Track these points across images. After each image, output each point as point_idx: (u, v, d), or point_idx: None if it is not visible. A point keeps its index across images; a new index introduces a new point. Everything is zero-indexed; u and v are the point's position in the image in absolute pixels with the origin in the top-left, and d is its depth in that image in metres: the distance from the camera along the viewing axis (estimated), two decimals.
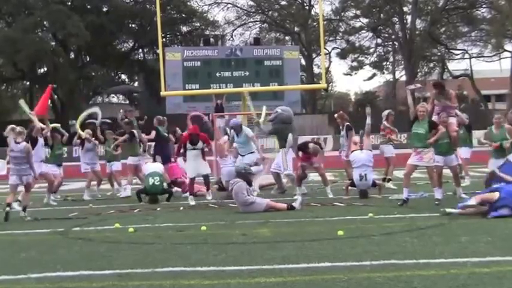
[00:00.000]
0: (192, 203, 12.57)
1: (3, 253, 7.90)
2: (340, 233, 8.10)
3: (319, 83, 34.71)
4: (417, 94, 12.76)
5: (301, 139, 16.61)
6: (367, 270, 6.11)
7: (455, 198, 11.54)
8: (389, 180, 14.45)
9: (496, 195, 9.33)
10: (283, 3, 56.98)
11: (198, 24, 53.63)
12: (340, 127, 14.90)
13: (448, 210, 9.75)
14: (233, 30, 56.28)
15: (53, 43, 47.66)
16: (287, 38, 58.91)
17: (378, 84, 69.35)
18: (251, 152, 13.87)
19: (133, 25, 51.45)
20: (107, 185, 16.18)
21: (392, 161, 14.66)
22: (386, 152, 14.75)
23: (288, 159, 13.07)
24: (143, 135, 15.55)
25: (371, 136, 13.43)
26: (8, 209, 11.06)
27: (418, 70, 56.36)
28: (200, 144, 13.17)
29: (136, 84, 58.94)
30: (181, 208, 12.07)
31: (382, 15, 55.70)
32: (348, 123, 14.52)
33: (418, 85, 13.48)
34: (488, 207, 9.36)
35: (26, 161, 11.32)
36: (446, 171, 12.19)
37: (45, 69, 48.93)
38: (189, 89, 29.06)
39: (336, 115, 15.35)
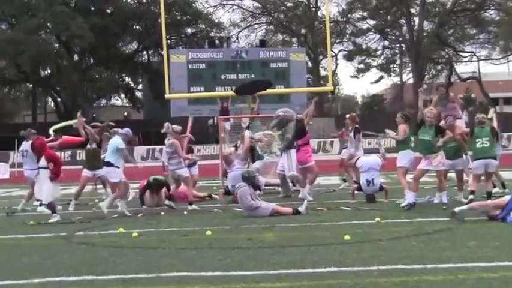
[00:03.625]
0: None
1: (5, 257, 7.88)
2: (347, 237, 8.06)
3: (326, 86, 34.58)
4: (425, 97, 13.01)
5: None
6: (374, 275, 6.09)
7: (462, 203, 11.43)
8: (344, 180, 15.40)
9: (507, 198, 9.27)
10: (289, 4, 56.70)
11: (203, 26, 53.48)
12: (350, 128, 15.14)
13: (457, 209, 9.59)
14: (238, 32, 56.06)
15: (57, 45, 47.69)
16: (293, 40, 58.67)
17: (385, 87, 69.13)
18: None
19: (137, 27, 51.31)
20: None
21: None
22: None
23: (293, 160, 13.26)
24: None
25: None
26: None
27: (426, 72, 56.15)
28: (43, 162, 11.49)
29: (140, 86, 58.94)
30: (185, 212, 12.00)
31: (389, 17, 55.40)
32: (356, 126, 14.97)
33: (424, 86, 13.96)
34: (501, 211, 9.24)
35: (175, 155, 12.48)
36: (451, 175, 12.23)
37: (49, 71, 48.94)
38: (193, 92, 29.01)
39: (347, 115, 15.89)
